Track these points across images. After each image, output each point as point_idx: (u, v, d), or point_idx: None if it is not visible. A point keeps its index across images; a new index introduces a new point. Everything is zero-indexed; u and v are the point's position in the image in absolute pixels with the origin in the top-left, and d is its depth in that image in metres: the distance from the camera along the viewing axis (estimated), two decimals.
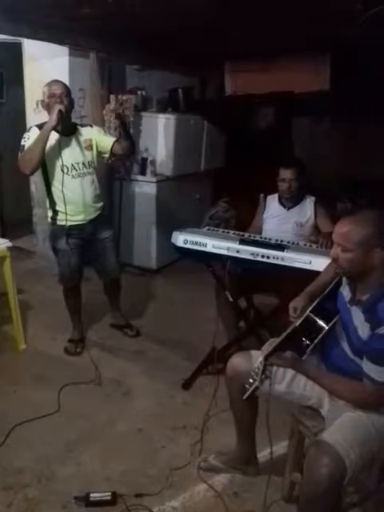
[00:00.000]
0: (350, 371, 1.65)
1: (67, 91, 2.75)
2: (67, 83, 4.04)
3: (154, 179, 4.25)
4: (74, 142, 2.82)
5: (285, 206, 3.08)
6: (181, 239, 2.57)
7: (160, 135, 4.27)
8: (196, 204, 4.83)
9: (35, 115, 4.35)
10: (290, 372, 1.82)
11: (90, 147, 2.88)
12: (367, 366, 1.56)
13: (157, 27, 3.06)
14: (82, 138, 2.85)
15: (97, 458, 2.22)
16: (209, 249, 2.51)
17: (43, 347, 3.12)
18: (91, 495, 1.95)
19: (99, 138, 2.91)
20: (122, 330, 3.35)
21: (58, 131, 2.72)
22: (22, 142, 2.72)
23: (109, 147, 2.92)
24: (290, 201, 3.05)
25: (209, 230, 2.83)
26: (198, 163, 4.73)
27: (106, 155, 3.00)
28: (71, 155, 2.79)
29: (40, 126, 2.72)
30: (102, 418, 2.49)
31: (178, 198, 4.47)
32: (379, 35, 2.89)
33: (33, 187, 4.58)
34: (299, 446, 1.92)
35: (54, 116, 2.61)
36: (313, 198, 3.06)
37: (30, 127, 2.79)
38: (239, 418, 2.05)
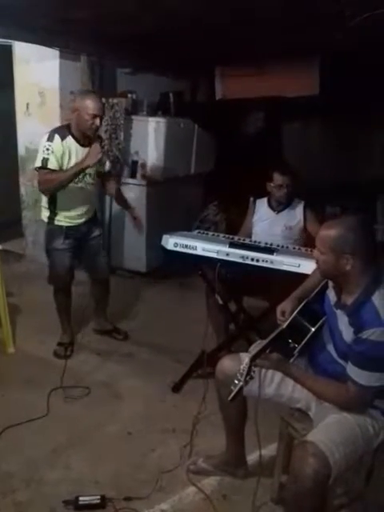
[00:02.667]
0: (337, 374, 1.67)
1: (103, 111, 2.81)
2: (57, 86, 4.07)
3: (144, 182, 4.25)
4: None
5: (274, 210, 3.10)
6: (171, 242, 2.58)
7: (150, 138, 4.27)
8: (186, 207, 4.83)
9: (25, 118, 4.35)
10: (279, 375, 1.84)
11: (99, 160, 2.84)
12: (350, 369, 1.59)
13: (147, 31, 3.07)
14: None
15: (86, 462, 2.21)
16: (199, 252, 2.52)
17: (32, 350, 3.10)
18: (80, 499, 1.94)
19: (102, 158, 2.87)
20: (111, 335, 3.34)
21: (78, 142, 2.77)
22: (45, 154, 2.68)
23: (103, 171, 3.02)
24: (280, 205, 3.08)
25: (199, 233, 2.84)
26: (188, 167, 4.73)
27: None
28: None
29: (61, 135, 2.71)
30: (92, 421, 2.48)
31: (168, 201, 4.47)
32: (367, 39, 2.93)
33: (22, 190, 4.57)
34: (288, 449, 1.93)
35: (94, 159, 2.64)
36: (302, 202, 3.09)
37: (51, 134, 2.72)
38: (228, 421, 2.06)
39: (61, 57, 4.00)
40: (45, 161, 2.68)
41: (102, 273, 3.17)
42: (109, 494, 1.99)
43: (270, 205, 3.13)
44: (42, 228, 4.53)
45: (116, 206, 4.30)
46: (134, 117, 4.30)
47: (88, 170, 2.79)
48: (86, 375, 2.87)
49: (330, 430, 1.59)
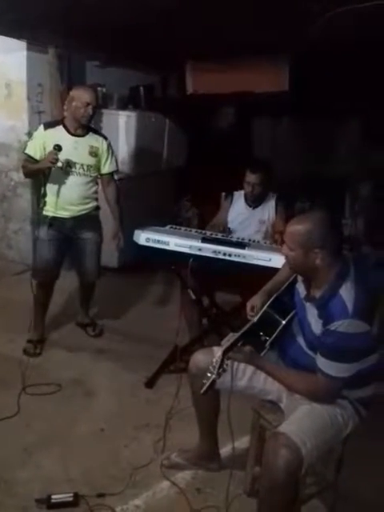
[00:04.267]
0: (307, 365, 1.70)
1: (95, 100, 2.86)
2: (24, 78, 3.99)
3: (115, 177, 4.20)
4: (80, 144, 2.87)
5: (250, 206, 3.13)
6: (143, 237, 2.57)
7: (121, 132, 4.23)
8: (158, 202, 4.81)
9: None
10: (251, 367, 1.86)
11: (94, 154, 2.92)
12: (320, 361, 1.62)
13: (116, 23, 3.03)
14: (89, 143, 2.91)
15: (58, 460, 2.18)
16: (171, 247, 2.52)
17: (1, 349, 3.03)
18: (53, 497, 1.92)
19: (103, 155, 2.98)
20: (85, 329, 3.32)
21: (68, 130, 2.85)
22: (28, 141, 2.94)
23: (104, 170, 3.02)
24: (255, 202, 3.11)
25: (171, 228, 2.83)
26: (159, 161, 4.72)
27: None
28: (71, 153, 2.84)
29: (48, 124, 2.91)
30: (63, 419, 2.45)
31: (139, 196, 4.44)
32: (337, 36, 2.97)
33: None
34: (260, 440, 1.95)
35: (46, 164, 2.71)
36: (275, 196, 3.13)
37: (40, 124, 2.94)
38: (201, 415, 2.07)
39: (28, 49, 3.91)
40: (25, 146, 2.93)
41: (87, 276, 3.14)
42: (82, 492, 1.97)
43: (246, 200, 3.15)
44: (10, 223, 4.48)
45: None
46: (104, 110, 4.25)
47: (78, 160, 2.84)
48: (57, 372, 2.83)
49: (301, 421, 1.62)
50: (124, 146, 4.24)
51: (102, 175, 3.05)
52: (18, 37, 3.74)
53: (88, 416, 2.50)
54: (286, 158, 5.61)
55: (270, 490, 1.57)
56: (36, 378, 2.71)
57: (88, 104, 2.80)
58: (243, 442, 2.12)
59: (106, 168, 3.03)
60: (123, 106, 4.41)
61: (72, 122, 2.87)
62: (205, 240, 2.54)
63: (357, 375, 1.61)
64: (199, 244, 2.51)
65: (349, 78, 4.08)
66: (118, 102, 4.40)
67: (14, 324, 3.23)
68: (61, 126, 2.87)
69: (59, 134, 2.83)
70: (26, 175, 3.04)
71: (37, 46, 3.88)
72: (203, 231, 2.83)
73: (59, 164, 2.74)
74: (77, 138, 2.87)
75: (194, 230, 2.83)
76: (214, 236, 2.72)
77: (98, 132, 3.07)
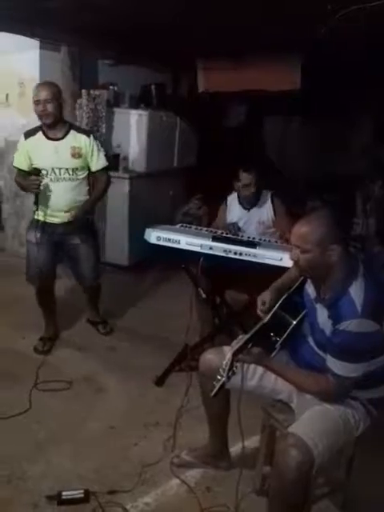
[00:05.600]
0: (318, 366, 1.69)
1: (52, 96, 2.64)
2: (37, 77, 3.99)
3: (127, 175, 4.22)
4: (60, 148, 2.73)
5: (245, 208, 3.11)
6: (154, 236, 2.57)
7: (132, 131, 4.24)
8: (169, 201, 4.82)
9: (4, 109, 4.29)
10: (261, 367, 1.85)
11: (77, 155, 2.76)
12: (329, 360, 1.61)
13: (128, 22, 3.03)
14: (70, 145, 2.75)
15: (68, 457, 2.20)
16: (182, 246, 2.52)
17: (13, 346, 3.05)
18: (63, 493, 1.94)
19: (88, 153, 2.79)
20: (96, 326, 3.33)
21: (46, 136, 2.73)
22: (15, 153, 2.85)
23: (92, 168, 2.85)
24: (249, 202, 3.09)
25: (182, 226, 2.84)
26: (170, 160, 4.72)
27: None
28: (53, 160, 2.72)
29: (28, 133, 2.78)
30: (74, 416, 2.47)
31: (150, 194, 4.45)
32: (349, 36, 2.95)
33: (1, 182, 4.50)
34: (271, 440, 1.95)
35: (31, 190, 2.67)
36: (269, 193, 3.11)
37: (21, 135, 2.82)
38: (211, 414, 2.07)
39: (41, 47, 3.94)
40: (14, 159, 2.86)
41: (85, 281, 3.10)
42: (92, 488, 1.98)
43: (240, 202, 3.13)
44: (22, 221, 4.50)
45: None
46: (115, 109, 4.26)
47: (62, 166, 2.73)
48: (68, 369, 2.85)
49: (312, 422, 1.62)
50: (135, 145, 4.25)
51: (92, 173, 2.88)
52: (31, 35, 3.76)
53: (98, 413, 2.51)
54: (297, 157, 5.59)
55: (280, 490, 1.57)
56: (47, 375, 2.72)
57: (43, 101, 2.61)
58: (253, 442, 2.11)
59: (95, 165, 2.83)
60: (135, 104, 4.42)
61: (44, 126, 2.73)
62: (216, 239, 2.54)
63: (368, 375, 1.60)
64: (210, 243, 2.51)
65: (360, 76, 4.05)
66: (129, 100, 4.42)
67: (27, 321, 3.26)
68: (40, 133, 2.74)
69: (38, 142, 2.73)
70: (21, 189, 2.94)
71: (49, 44, 3.90)
72: (214, 230, 2.83)
73: (41, 188, 2.67)
74: (56, 142, 2.72)
75: (204, 229, 2.83)
76: (225, 235, 2.72)
77: (80, 129, 2.91)
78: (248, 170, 3.00)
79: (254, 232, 3.05)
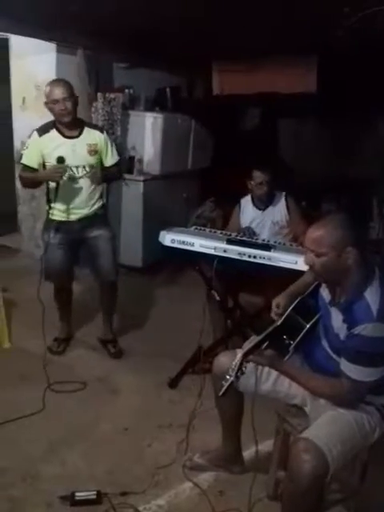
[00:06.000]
0: (333, 370, 1.67)
1: (69, 93, 2.63)
2: None
3: (141, 178, 4.24)
4: (77, 146, 2.72)
5: (259, 208, 3.10)
6: (168, 238, 2.58)
7: (147, 134, 4.26)
8: (183, 203, 4.83)
9: (21, 112, 4.33)
10: (275, 371, 1.84)
11: (93, 152, 2.76)
12: (343, 364, 1.60)
13: (143, 25, 3.05)
14: (86, 142, 2.74)
15: (82, 457, 2.21)
16: (196, 248, 2.52)
17: (28, 346, 3.08)
18: (76, 494, 1.95)
19: (102, 149, 2.81)
20: (106, 345, 3.13)
21: (62, 134, 2.70)
22: (22, 150, 2.79)
23: (106, 164, 2.85)
24: (263, 202, 3.08)
25: (196, 229, 2.84)
26: (185, 162, 4.73)
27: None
28: (70, 157, 2.69)
29: (42, 130, 2.71)
30: (87, 417, 2.48)
31: (165, 196, 4.46)
32: (365, 38, 2.93)
33: (18, 184, 4.54)
34: (284, 444, 1.94)
35: (54, 177, 2.62)
36: (283, 193, 3.09)
37: (33, 131, 2.75)
38: (225, 417, 2.06)
39: (57, 50, 3.97)
40: (20, 156, 2.79)
41: (103, 275, 2.98)
42: (105, 490, 1.99)
43: (254, 203, 3.12)
44: (38, 223, 4.54)
45: (112, 201, 4.30)
46: (131, 112, 4.28)
47: (79, 163, 2.72)
48: (82, 370, 2.87)
49: (327, 427, 1.60)
50: (150, 147, 4.27)
51: (105, 168, 2.85)
52: (48, 39, 3.79)
53: (112, 414, 2.52)
54: (312, 160, 5.56)
55: (294, 495, 1.56)
56: (61, 376, 2.74)
57: (60, 100, 2.59)
58: (267, 446, 2.10)
59: (109, 161, 2.85)
60: (150, 107, 4.44)
61: (60, 124, 2.71)
62: (230, 241, 2.54)
63: (382, 380, 1.58)
64: (224, 245, 2.50)
65: (376, 79, 4.01)
66: (144, 103, 4.44)
67: (41, 321, 3.27)
68: (54, 130, 2.71)
69: (55, 140, 2.70)
70: (25, 186, 2.96)
71: (66, 47, 3.94)
72: (228, 233, 2.82)
73: (64, 177, 2.65)
74: (73, 140, 2.71)
75: (218, 232, 2.83)
76: (239, 238, 2.71)
77: (93, 126, 2.91)
78: (261, 169, 2.99)
79: (268, 232, 3.04)
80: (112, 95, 4.06)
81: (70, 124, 2.70)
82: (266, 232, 3.05)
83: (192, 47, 3.64)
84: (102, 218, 2.96)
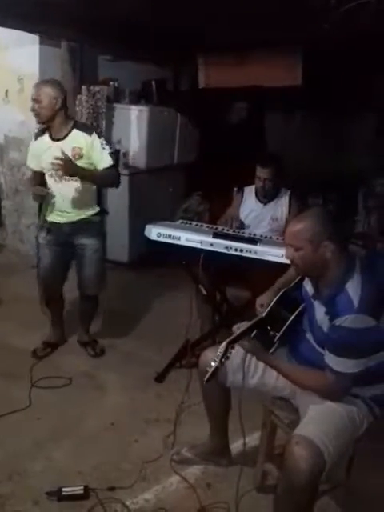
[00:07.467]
0: (317, 362, 1.68)
1: (44, 95, 2.53)
2: (37, 72, 3.95)
3: (127, 171, 4.20)
4: (64, 148, 2.54)
5: (261, 202, 3.10)
6: (154, 232, 2.56)
7: (133, 127, 4.23)
8: (169, 197, 4.81)
9: (4, 105, 4.27)
10: (262, 365, 1.85)
11: (78, 156, 2.58)
12: (327, 357, 1.61)
13: (127, 16, 3.01)
14: (72, 145, 2.60)
15: (69, 453, 2.20)
16: (182, 242, 2.51)
17: (14, 342, 3.05)
18: (63, 490, 1.94)
19: (91, 153, 2.61)
20: (85, 348, 3.05)
21: (50, 136, 2.65)
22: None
23: (98, 168, 2.64)
24: (266, 197, 3.07)
25: (182, 223, 2.83)
26: (171, 156, 4.70)
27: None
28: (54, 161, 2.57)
29: (37, 133, 2.76)
30: (74, 413, 2.47)
31: (150, 190, 4.44)
32: (351, 32, 2.93)
33: (2, 178, 4.48)
34: (271, 437, 1.95)
35: (36, 198, 2.72)
36: (288, 192, 3.09)
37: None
38: (212, 410, 2.07)
39: (41, 42, 3.91)
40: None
41: (85, 287, 2.87)
42: (92, 485, 1.99)
43: (257, 196, 3.12)
44: (22, 218, 4.49)
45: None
46: (116, 105, 4.24)
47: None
48: (68, 366, 2.85)
49: (322, 423, 1.60)
50: (136, 141, 4.24)
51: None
52: (31, 31, 3.73)
53: (98, 410, 2.51)
54: (299, 154, 5.57)
55: (290, 491, 1.56)
56: (47, 372, 2.72)
57: (34, 100, 2.54)
58: (254, 439, 2.11)
59: (100, 164, 2.63)
60: (135, 100, 4.40)
61: (48, 126, 2.65)
62: (216, 235, 2.53)
63: (369, 372, 1.59)
64: (211, 239, 2.50)
65: (363, 73, 4.02)
66: (129, 96, 4.39)
67: (28, 318, 3.26)
68: (47, 133, 2.67)
69: (43, 143, 2.67)
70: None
71: (49, 39, 3.88)
72: (215, 226, 2.81)
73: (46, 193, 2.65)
74: (59, 143, 2.59)
75: (205, 225, 2.82)
76: (225, 231, 2.71)
77: (83, 128, 2.69)
78: (265, 165, 2.98)
79: (266, 227, 3.03)
80: (97, 88, 4.01)
81: (56, 125, 2.62)
82: (264, 226, 3.04)
83: (178, 39, 3.61)
84: (96, 226, 2.80)
